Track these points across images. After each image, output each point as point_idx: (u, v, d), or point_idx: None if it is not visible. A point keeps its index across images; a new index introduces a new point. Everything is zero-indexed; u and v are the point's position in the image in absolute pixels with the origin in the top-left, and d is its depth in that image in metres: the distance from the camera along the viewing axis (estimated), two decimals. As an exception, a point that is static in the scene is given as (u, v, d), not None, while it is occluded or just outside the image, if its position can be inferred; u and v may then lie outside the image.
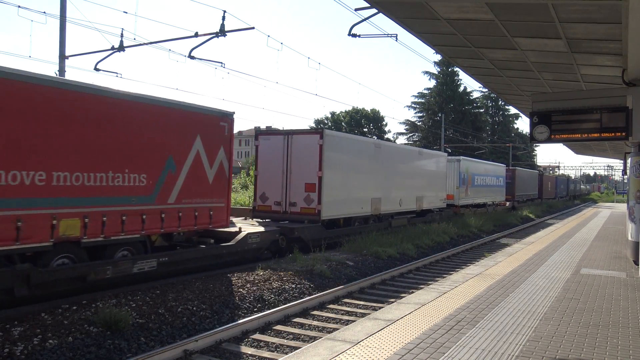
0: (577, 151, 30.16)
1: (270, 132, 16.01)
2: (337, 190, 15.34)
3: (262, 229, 13.22)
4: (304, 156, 14.80)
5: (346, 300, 10.02)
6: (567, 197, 70.01)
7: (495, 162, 45.48)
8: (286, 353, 6.66)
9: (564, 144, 25.65)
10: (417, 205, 21.19)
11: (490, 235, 22.31)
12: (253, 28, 15.08)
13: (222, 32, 14.28)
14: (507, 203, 37.22)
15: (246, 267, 11.61)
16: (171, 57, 45.56)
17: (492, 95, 60.44)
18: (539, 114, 9.12)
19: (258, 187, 15.72)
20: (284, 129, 15.74)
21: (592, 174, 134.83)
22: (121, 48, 16.07)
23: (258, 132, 15.98)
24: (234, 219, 14.93)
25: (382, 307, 8.61)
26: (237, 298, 9.12)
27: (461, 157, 28.09)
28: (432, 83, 61.91)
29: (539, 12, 6.43)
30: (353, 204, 16.46)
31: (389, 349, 5.07)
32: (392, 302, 8.84)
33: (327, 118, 63.41)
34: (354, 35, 14.00)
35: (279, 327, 8.04)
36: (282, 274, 10.87)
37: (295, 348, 6.89)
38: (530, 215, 34.64)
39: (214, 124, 11.45)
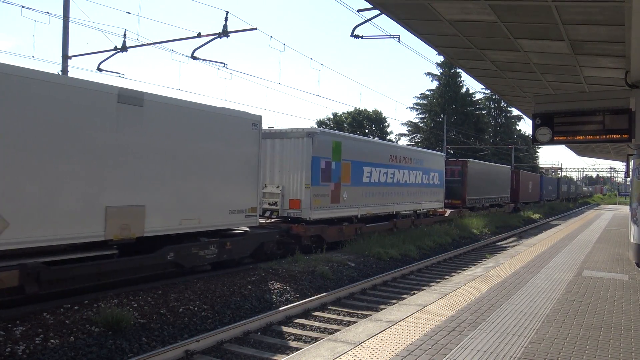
0: (579, 153, 30.11)
1: None
2: None
3: None
4: None
5: (348, 301, 10.02)
6: (559, 199, 59.35)
7: (497, 164, 44.34)
8: (287, 354, 6.65)
9: (566, 146, 25.37)
10: (113, 229, 8.52)
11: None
12: (255, 29, 15.09)
13: (224, 32, 14.28)
14: (448, 212, 24.92)
15: (247, 267, 11.62)
16: (174, 58, 45.71)
17: (494, 96, 60.33)
18: (541, 115, 9.11)
19: None
20: None
21: (594, 175, 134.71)
22: (124, 48, 16.09)
23: None
24: None
25: (384, 309, 8.60)
26: (238, 298, 9.13)
27: (319, 129, 14.78)
28: (434, 84, 61.76)
29: (542, 13, 6.43)
30: None
31: (390, 351, 5.07)
32: (394, 303, 8.83)
33: (329, 119, 63.40)
34: (357, 37, 14.00)
35: (280, 328, 8.04)
36: (283, 274, 10.88)
37: (297, 349, 6.89)
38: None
39: None
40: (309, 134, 14.24)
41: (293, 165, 14.32)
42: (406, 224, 20.40)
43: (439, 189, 23.72)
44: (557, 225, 27.03)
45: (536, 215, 35.74)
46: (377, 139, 27.14)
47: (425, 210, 22.43)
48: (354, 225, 16.43)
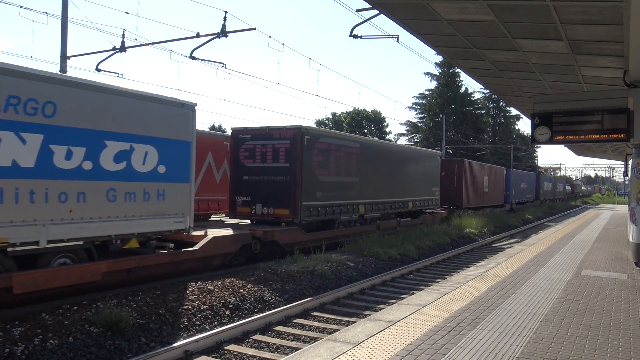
0: (578, 152, 30.13)
1: None
2: None
3: None
4: None
5: (347, 301, 10.02)
6: (538, 201, 47.21)
7: (497, 164, 42.84)
8: (287, 354, 6.65)
9: (565, 146, 25.28)
10: None
11: None
12: (254, 29, 15.08)
13: (223, 32, 14.28)
14: (205, 241, 10.96)
15: (247, 267, 11.61)
16: (172, 58, 45.86)
17: (493, 96, 60.38)
18: (540, 115, 9.12)
19: None
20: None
21: (593, 175, 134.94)
22: (123, 48, 16.08)
23: None
24: None
25: (383, 308, 8.60)
26: (237, 298, 9.12)
27: None
28: (433, 84, 61.87)
29: (541, 13, 6.43)
30: None
31: (389, 350, 5.07)
32: (393, 303, 8.84)
33: (328, 119, 63.48)
34: (356, 36, 14.01)
35: (279, 328, 8.04)
36: (282, 274, 10.87)
37: (296, 349, 6.89)
38: None
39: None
40: None
41: None
42: None
43: (160, 185, 10.15)
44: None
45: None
46: None
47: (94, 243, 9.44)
48: None
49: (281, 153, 13.99)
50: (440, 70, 59.07)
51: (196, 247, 10.91)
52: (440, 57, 45.07)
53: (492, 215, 28.93)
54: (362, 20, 12.94)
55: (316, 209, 14.44)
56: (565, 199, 66.37)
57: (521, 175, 42.09)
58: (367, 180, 17.14)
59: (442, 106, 57.78)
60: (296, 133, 13.84)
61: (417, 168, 21.36)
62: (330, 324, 8.41)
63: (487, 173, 31.29)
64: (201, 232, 11.44)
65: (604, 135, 8.66)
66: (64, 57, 16.46)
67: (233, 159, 14.63)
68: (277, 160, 14.03)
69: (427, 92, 61.51)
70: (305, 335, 7.70)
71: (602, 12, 6.10)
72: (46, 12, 15.88)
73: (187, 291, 9.05)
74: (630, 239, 11.14)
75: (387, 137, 61.38)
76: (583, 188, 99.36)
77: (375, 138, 21.54)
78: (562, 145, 31.15)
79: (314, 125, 47.41)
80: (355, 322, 7.76)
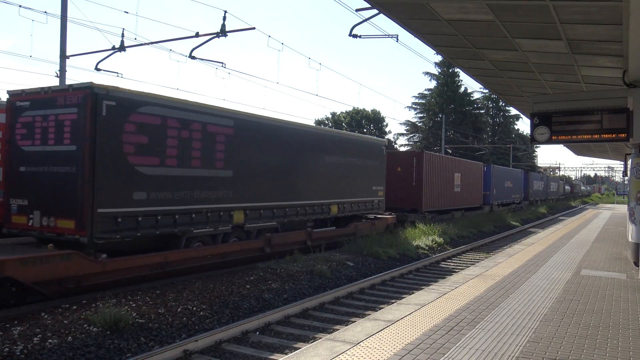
0: (578, 152, 30.12)
1: None
2: None
3: None
4: None
5: (346, 300, 10.02)
6: (527, 202, 42.40)
7: (496, 164, 42.76)
8: (286, 353, 6.65)
9: (564, 145, 25.19)
10: None
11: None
12: (254, 28, 15.06)
13: (223, 32, 14.26)
14: None
15: (246, 267, 11.61)
16: (172, 57, 45.98)
17: (492, 96, 60.33)
18: (539, 115, 9.12)
19: None
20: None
21: (592, 175, 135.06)
22: (122, 48, 16.05)
23: None
24: None
25: (382, 308, 8.61)
26: (237, 298, 9.12)
27: None
28: (432, 84, 61.82)
29: (540, 13, 6.43)
30: None
31: (389, 350, 5.07)
32: (392, 302, 8.83)
33: (327, 118, 63.45)
34: (355, 36, 13.99)
35: (279, 328, 8.04)
36: (282, 274, 10.88)
37: (295, 348, 6.89)
38: None
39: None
40: None
41: None
42: None
43: None
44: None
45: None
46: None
47: None
48: None
49: (66, 129, 8.84)
50: (439, 70, 59.06)
51: None
52: (440, 56, 45.04)
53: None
54: (362, 19, 12.93)
55: (134, 219, 9.20)
56: (561, 199, 63.11)
57: (505, 172, 36.18)
58: (250, 175, 11.84)
59: (441, 106, 57.74)
60: (86, 96, 8.59)
61: (347, 160, 15.74)
62: (329, 323, 8.41)
63: (459, 169, 25.94)
64: None
65: (603, 135, 8.65)
66: (63, 57, 16.44)
67: (9, 140, 9.58)
68: (61, 140, 8.89)
69: (426, 92, 61.49)
70: (304, 335, 7.70)
71: (601, 12, 6.10)
72: (45, 12, 15.93)
73: (187, 290, 9.05)
74: (630, 239, 11.14)
75: (386, 137, 61.37)
76: (582, 188, 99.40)
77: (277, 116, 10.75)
78: (562, 145, 30.24)
79: (313, 123, 44.46)
80: (354, 321, 7.76)
